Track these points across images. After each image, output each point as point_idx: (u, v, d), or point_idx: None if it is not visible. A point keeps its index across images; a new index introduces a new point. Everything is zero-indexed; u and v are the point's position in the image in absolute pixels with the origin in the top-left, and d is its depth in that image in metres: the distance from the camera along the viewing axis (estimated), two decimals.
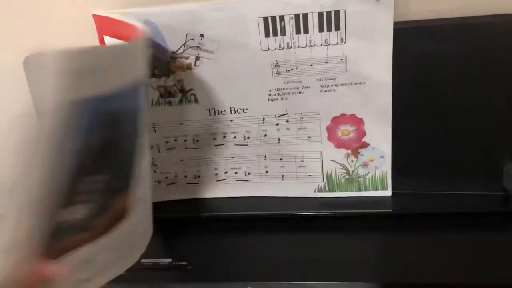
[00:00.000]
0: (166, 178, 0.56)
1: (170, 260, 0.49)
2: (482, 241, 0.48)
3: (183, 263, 0.49)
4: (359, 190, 0.53)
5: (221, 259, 0.49)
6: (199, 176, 0.55)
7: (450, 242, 0.48)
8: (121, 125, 0.36)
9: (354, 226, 0.51)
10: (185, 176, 0.55)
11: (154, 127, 0.53)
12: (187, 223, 0.54)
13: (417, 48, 0.47)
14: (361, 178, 0.53)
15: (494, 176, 0.50)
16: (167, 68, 0.50)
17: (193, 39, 0.48)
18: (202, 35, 0.48)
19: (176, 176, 0.55)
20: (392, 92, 0.49)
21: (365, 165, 0.52)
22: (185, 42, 0.48)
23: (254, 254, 0.49)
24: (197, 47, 0.48)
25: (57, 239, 0.33)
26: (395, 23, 0.46)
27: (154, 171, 0.55)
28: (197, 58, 0.49)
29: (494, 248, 0.47)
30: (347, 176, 0.53)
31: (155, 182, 0.55)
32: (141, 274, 0.48)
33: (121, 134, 0.36)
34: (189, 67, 0.49)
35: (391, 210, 0.52)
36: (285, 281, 0.45)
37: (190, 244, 0.51)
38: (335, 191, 0.54)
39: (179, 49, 0.48)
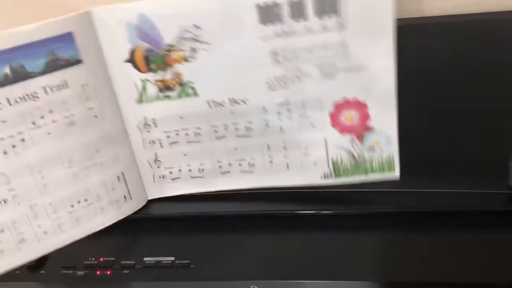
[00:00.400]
0: (171, 173, 0.55)
1: (173, 258, 0.49)
2: (488, 239, 0.47)
3: (186, 261, 0.48)
4: (366, 173, 0.53)
5: (224, 258, 0.49)
6: (203, 170, 0.55)
7: (456, 241, 0.47)
8: None
9: (358, 224, 0.50)
10: (189, 170, 0.55)
11: (154, 122, 0.52)
12: (189, 222, 0.54)
13: (424, 45, 0.46)
14: (368, 162, 0.52)
15: (500, 174, 0.49)
16: (163, 61, 0.49)
17: (188, 31, 0.47)
18: (197, 26, 0.47)
19: (180, 170, 0.55)
20: (398, 91, 0.47)
21: (371, 148, 0.51)
22: (180, 34, 0.47)
23: (257, 253, 0.49)
24: (193, 38, 0.47)
25: None
26: (402, 20, 0.45)
27: (158, 167, 0.55)
28: (193, 50, 0.48)
29: (499, 247, 0.46)
30: (353, 161, 0.52)
31: (159, 177, 0.55)
32: (144, 272, 0.48)
33: None
34: (185, 60, 0.48)
35: (395, 208, 0.51)
36: (289, 279, 0.45)
37: (193, 242, 0.51)
38: (341, 176, 0.53)
39: (174, 41, 0.47)
